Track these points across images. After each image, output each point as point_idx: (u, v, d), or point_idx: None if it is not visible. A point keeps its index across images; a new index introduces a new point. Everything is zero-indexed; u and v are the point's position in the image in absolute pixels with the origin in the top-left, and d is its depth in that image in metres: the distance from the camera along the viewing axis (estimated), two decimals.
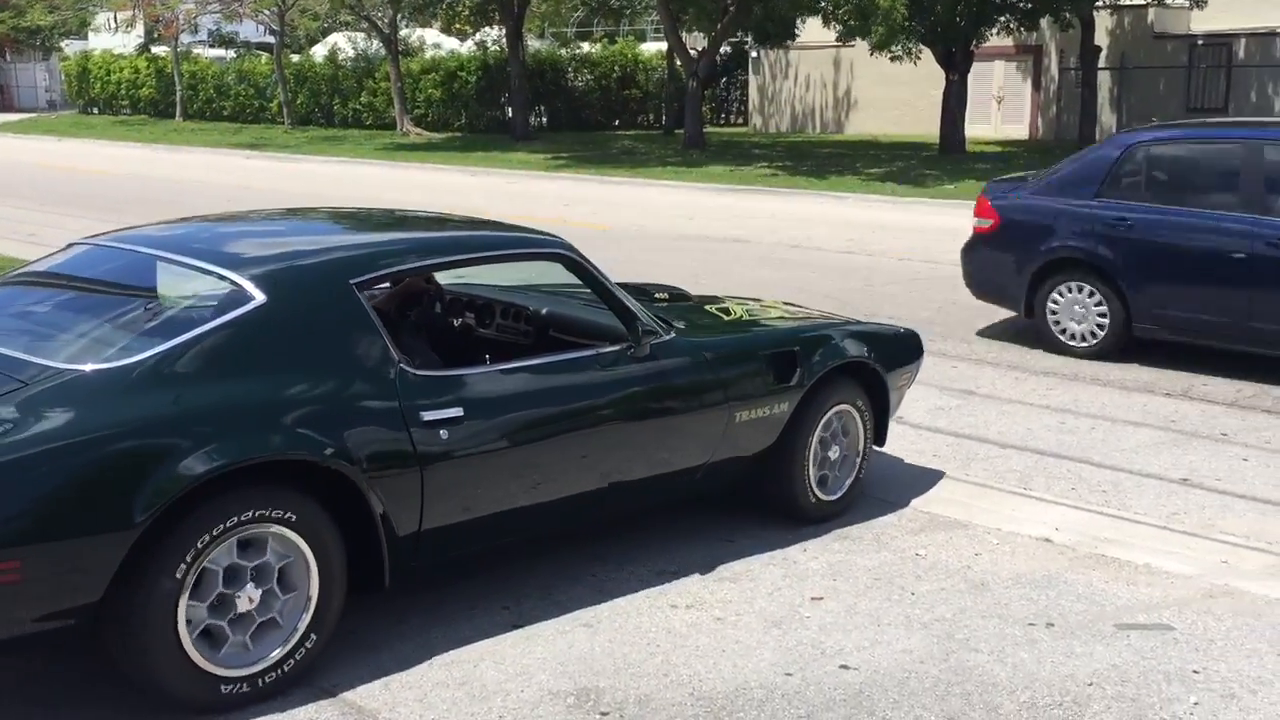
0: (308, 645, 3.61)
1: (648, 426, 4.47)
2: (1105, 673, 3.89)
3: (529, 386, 4.15)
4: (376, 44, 36.41)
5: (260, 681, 3.52)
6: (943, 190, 18.60)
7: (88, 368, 3.46)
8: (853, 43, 29.93)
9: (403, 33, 36.78)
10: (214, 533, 3.35)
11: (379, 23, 34.19)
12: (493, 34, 35.96)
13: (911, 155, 24.58)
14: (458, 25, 35.80)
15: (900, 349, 5.60)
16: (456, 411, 3.85)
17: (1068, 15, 24.52)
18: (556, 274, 4.68)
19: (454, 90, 35.90)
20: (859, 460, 5.34)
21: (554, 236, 4.71)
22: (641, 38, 42.48)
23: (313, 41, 44.50)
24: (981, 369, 7.83)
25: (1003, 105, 31.76)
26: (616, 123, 38.23)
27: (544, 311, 4.90)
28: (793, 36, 28.43)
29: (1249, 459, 6.10)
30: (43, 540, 3.09)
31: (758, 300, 6.21)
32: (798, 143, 30.61)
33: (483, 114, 35.86)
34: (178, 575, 3.29)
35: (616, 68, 37.85)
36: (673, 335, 4.63)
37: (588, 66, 37.53)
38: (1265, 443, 6.33)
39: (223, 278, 3.82)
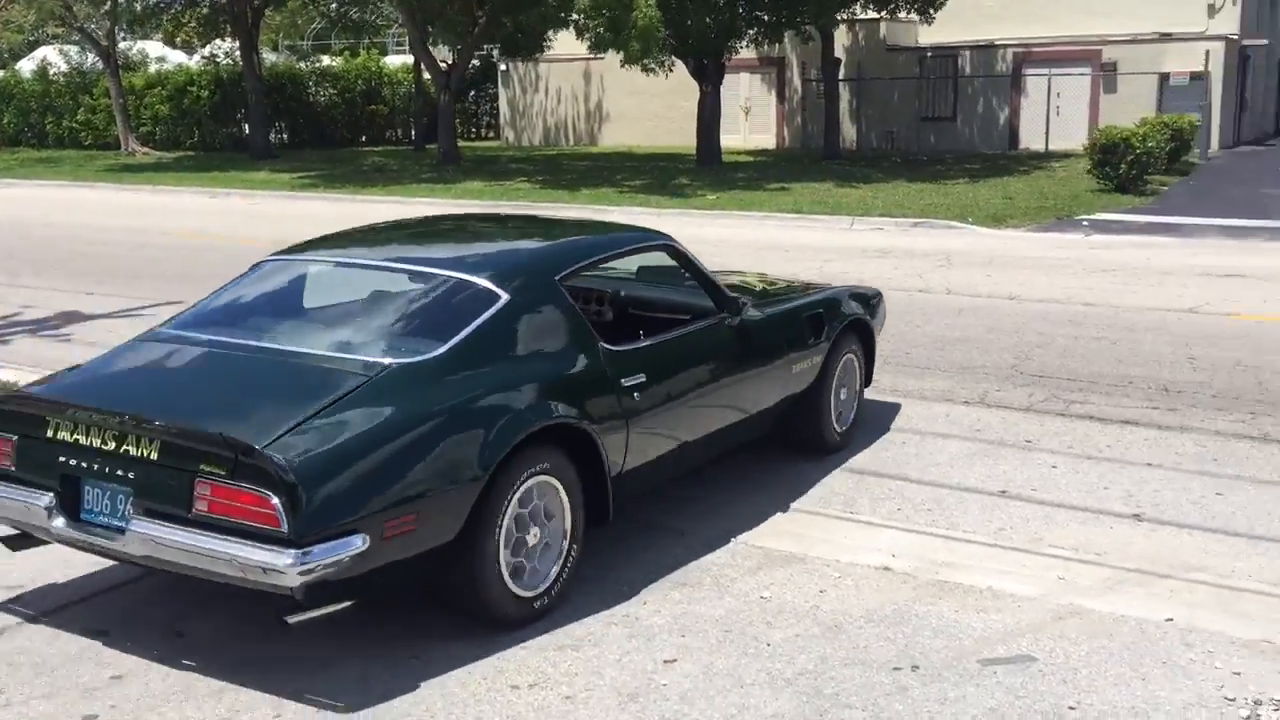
0: (570, 564, 4.47)
1: (746, 376, 5.57)
2: (984, 719, 3.67)
3: (676, 353, 5.16)
4: (93, 58, 33.88)
5: (547, 596, 4.38)
6: (705, 201, 18.72)
7: (400, 361, 4.19)
8: (603, 55, 30.06)
9: (122, 45, 34.32)
10: (516, 482, 4.17)
11: (94, 35, 31.78)
12: (224, 47, 34.09)
13: (669, 166, 24.77)
14: (183, 37, 33.78)
15: (877, 305, 6.86)
16: (641, 378, 4.81)
17: (809, 29, 25.33)
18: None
19: (184, 106, 33.85)
20: (856, 399, 6.60)
21: (661, 233, 5.70)
22: (383, 50, 41.33)
23: (17, 56, 41.06)
24: None
25: (750, 116, 32.60)
26: (363, 139, 37.05)
27: (621, 294, 5.92)
28: (541, 49, 28.24)
29: (1058, 466, 6.14)
30: (424, 497, 3.84)
31: (741, 272, 7.30)
32: (553, 156, 30.41)
33: (218, 131, 33.98)
34: (498, 517, 4.11)
35: (360, 82, 36.67)
36: (749, 306, 5.69)
37: (330, 81, 36.18)
38: (1068, 448, 6.41)
39: (464, 281, 4.60)
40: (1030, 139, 29.00)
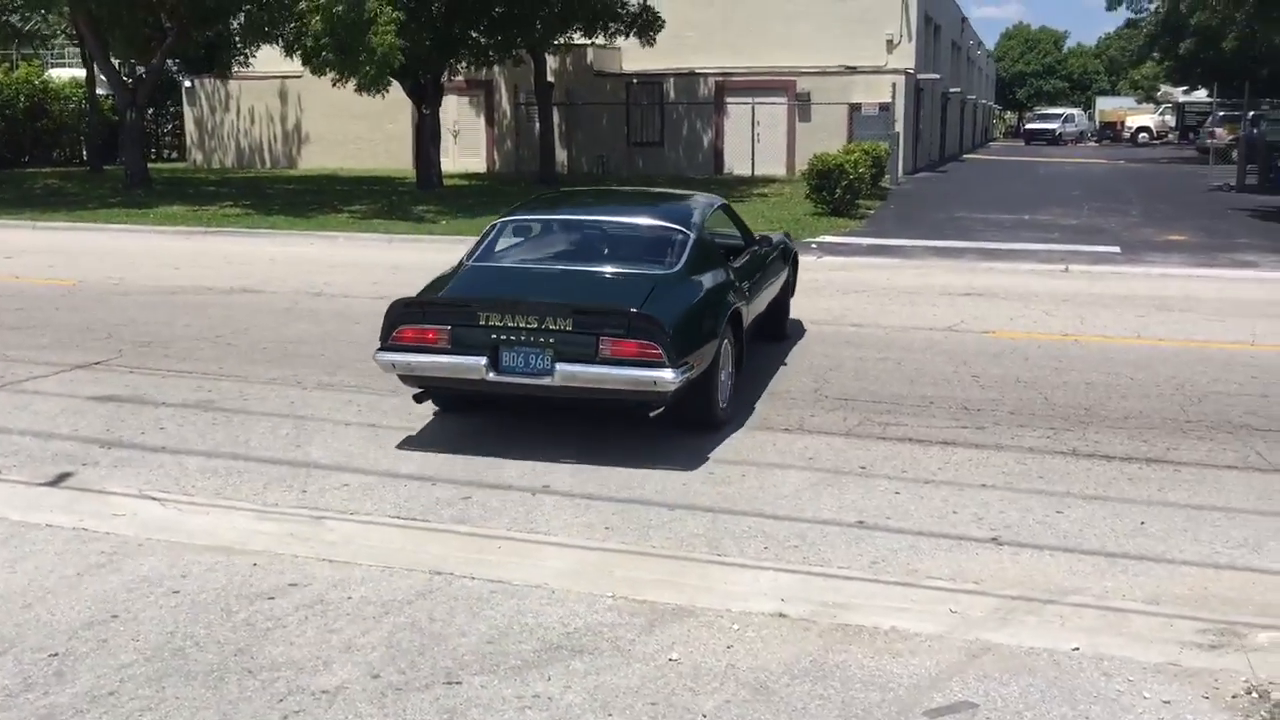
0: (730, 393, 7.28)
1: (768, 283, 8.66)
2: None
3: (751, 269, 8.23)
4: None
5: (725, 409, 7.17)
6: (438, 226, 18.07)
7: (660, 272, 6.99)
8: (299, 73, 28.65)
9: None
10: (724, 340, 6.95)
11: None
12: None
13: (389, 191, 23.85)
14: None
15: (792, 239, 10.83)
16: (747, 283, 7.86)
17: (522, 52, 25.17)
18: None
19: None
20: (790, 302, 10.13)
21: (718, 196, 8.92)
22: (43, 63, 37.79)
23: None
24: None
25: (459, 139, 32.03)
26: (26, 159, 33.66)
27: None
28: (230, 66, 26.56)
29: (900, 492, 6.10)
30: (700, 345, 6.57)
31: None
32: (251, 180, 28.70)
33: None
34: (720, 361, 6.92)
35: (22, 97, 33.31)
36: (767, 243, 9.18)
37: None
38: (903, 473, 6.40)
39: (665, 227, 7.51)
40: (734, 163, 30.09)
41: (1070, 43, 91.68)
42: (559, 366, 6.27)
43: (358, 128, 32.66)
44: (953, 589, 4.92)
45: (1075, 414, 7.52)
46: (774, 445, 6.89)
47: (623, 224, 7.76)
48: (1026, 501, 5.96)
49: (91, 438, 6.84)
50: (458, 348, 6.45)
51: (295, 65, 29.10)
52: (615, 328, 6.24)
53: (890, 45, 29.99)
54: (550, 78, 28.17)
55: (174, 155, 36.70)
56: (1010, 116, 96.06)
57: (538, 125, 28.40)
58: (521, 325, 6.34)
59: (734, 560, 5.21)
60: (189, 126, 35.14)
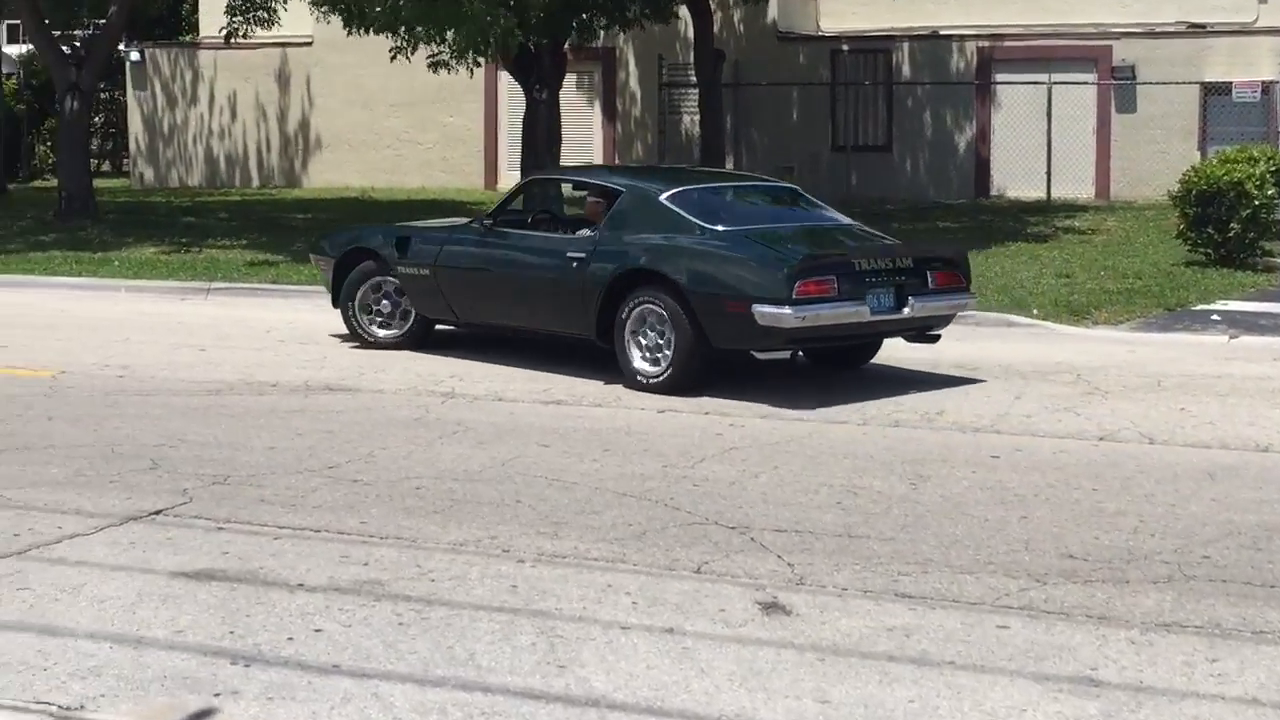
0: None
1: None
2: None
3: None
4: None
5: None
6: None
7: (849, 221, 14.21)
8: (308, 37, 28.71)
9: None
10: None
11: None
12: None
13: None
14: None
15: None
16: None
17: (677, 7, 25.20)
18: None
19: None
20: None
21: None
22: None
23: None
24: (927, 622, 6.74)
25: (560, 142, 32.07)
26: None
27: None
28: (235, 31, 26.82)
29: None
30: None
31: None
32: (241, 205, 29.05)
33: None
34: None
35: None
36: None
37: None
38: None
39: (789, 189, 15.37)
40: (1007, 180, 29.60)
41: None
42: (911, 300, 11.95)
43: (395, 123, 32.94)
44: None
45: None
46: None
47: (766, 186, 15.60)
48: None
49: (211, 646, 6.43)
50: (840, 296, 11.54)
51: (300, 26, 29.58)
52: (937, 264, 12.52)
53: None
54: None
55: (110, 167, 37.34)
56: None
57: (693, 118, 28.31)
58: (883, 268, 11.98)
59: None
60: (133, 125, 35.75)
